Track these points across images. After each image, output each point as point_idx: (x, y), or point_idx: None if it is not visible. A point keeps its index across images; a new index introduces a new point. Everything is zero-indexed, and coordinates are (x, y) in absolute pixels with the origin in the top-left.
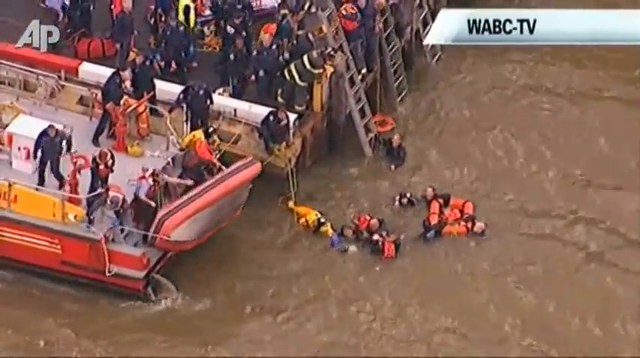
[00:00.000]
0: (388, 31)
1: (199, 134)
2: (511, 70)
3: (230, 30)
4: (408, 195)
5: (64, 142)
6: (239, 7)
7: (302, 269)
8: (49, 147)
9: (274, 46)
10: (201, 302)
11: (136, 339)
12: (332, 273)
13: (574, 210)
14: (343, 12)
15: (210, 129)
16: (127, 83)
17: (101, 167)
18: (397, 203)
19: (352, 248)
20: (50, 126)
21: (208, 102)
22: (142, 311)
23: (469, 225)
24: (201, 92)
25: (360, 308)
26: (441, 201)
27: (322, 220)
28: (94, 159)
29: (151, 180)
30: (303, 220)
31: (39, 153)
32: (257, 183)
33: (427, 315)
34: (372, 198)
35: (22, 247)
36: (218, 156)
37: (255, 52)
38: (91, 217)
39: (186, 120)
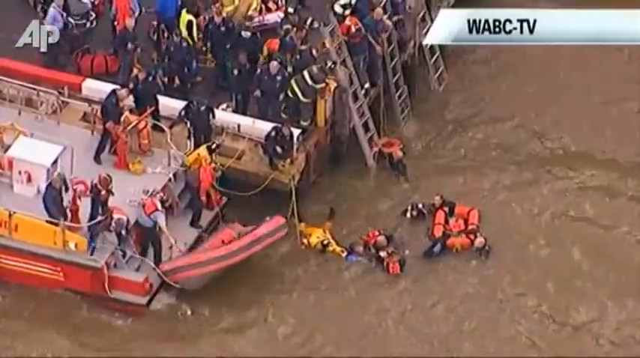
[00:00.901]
0: (392, 47)
1: (204, 152)
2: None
3: None
4: (420, 205)
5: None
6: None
7: (302, 279)
8: (55, 196)
9: (276, 65)
10: (201, 309)
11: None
12: (332, 284)
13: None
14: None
15: (214, 146)
16: (126, 101)
17: (102, 193)
18: (408, 214)
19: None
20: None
21: (211, 117)
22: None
23: (472, 237)
24: (203, 108)
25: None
26: (446, 209)
27: (325, 242)
28: (95, 186)
29: (162, 208)
30: (305, 241)
31: (51, 207)
32: (261, 197)
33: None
34: (377, 212)
35: (24, 274)
36: (219, 172)
37: (257, 72)
38: (93, 245)
39: (189, 137)
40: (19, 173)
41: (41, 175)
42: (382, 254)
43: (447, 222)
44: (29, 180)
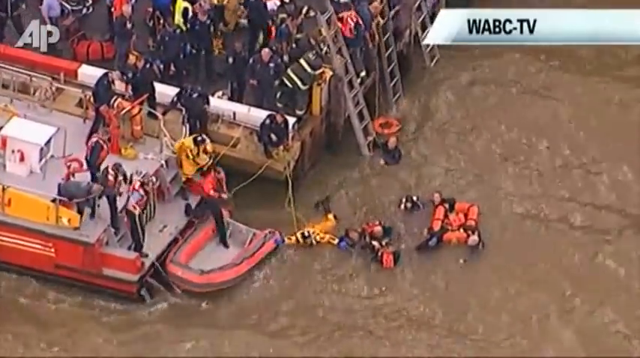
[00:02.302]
0: (387, 35)
1: (188, 142)
2: (511, 71)
3: None
4: (414, 198)
5: None
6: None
7: (297, 271)
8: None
9: (267, 52)
10: (195, 303)
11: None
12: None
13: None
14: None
15: (199, 139)
16: (117, 83)
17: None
18: (402, 206)
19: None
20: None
21: (205, 104)
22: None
23: (469, 232)
24: (196, 95)
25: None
26: (447, 205)
27: (306, 234)
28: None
29: (141, 191)
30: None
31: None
32: (256, 185)
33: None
34: (372, 201)
35: (15, 250)
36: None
37: (250, 61)
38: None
39: (183, 123)
40: (12, 152)
41: (34, 154)
42: (375, 244)
43: (447, 217)
44: (22, 159)
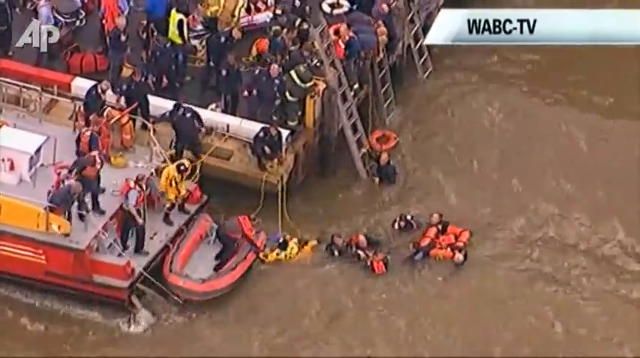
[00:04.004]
0: (380, 49)
1: (173, 171)
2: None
3: None
4: (409, 217)
5: None
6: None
7: (290, 281)
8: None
9: (277, 68)
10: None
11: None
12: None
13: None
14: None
15: (182, 168)
16: (108, 92)
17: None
18: (396, 225)
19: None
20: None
21: (197, 125)
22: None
23: (456, 252)
24: (189, 114)
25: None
26: (440, 227)
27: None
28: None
29: (137, 188)
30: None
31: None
32: (249, 198)
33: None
34: (364, 214)
35: (6, 258)
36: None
37: (255, 73)
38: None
39: (171, 146)
40: (3, 160)
41: (24, 163)
42: (361, 253)
43: (437, 237)
44: (12, 167)
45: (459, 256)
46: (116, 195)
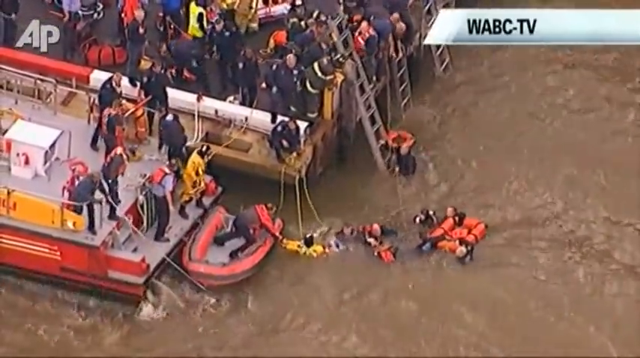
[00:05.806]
0: (397, 40)
1: (197, 158)
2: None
3: None
4: (431, 212)
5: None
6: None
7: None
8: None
9: (293, 58)
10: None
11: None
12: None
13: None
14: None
15: (203, 149)
16: (125, 84)
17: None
18: (417, 219)
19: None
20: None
21: (183, 134)
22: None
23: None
24: (175, 124)
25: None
26: (456, 218)
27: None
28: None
29: (170, 172)
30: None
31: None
32: (269, 190)
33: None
34: (383, 205)
35: (21, 254)
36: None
37: (274, 67)
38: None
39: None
40: (17, 155)
41: (39, 157)
42: (372, 241)
43: (452, 229)
44: (27, 162)
45: (462, 249)
46: (130, 190)
